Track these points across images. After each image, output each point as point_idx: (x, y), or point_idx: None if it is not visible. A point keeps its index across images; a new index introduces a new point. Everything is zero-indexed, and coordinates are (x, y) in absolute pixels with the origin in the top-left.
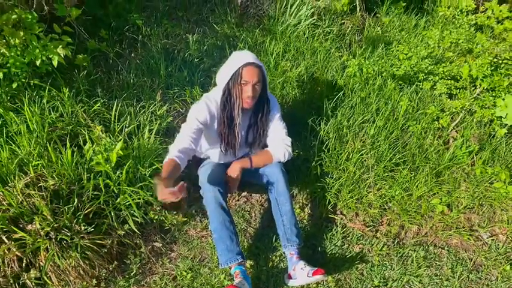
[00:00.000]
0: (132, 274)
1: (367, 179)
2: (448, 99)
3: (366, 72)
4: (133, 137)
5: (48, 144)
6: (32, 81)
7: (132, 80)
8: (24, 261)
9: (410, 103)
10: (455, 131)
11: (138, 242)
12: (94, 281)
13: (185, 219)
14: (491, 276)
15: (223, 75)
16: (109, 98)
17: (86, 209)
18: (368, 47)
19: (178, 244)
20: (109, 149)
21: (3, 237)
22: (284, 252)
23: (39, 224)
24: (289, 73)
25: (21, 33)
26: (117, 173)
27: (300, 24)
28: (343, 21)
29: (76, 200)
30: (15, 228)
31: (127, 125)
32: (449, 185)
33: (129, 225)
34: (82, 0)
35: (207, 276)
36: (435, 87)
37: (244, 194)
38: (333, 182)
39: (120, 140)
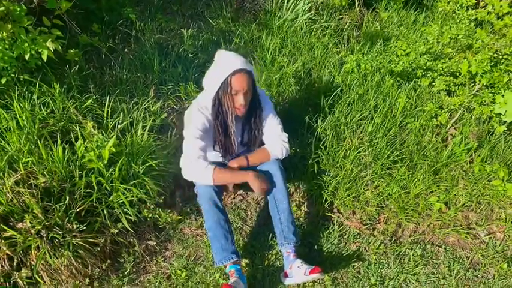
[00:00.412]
0: (125, 273)
1: (365, 177)
2: (447, 96)
3: (363, 69)
4: (127, 133)
5: (38, 141)
6: (21, 77)
7: (125, 76)
8: (15, 260)
9: (408, 100)
10: (454, 128)
11: (131, 240)
12: (87, 280)
13: (180, 217)
14: (488, 274)
15: (211, 81)
16: (101, 94)
17: (78, 207)
18: (366, 43)
19: (173, 242)
20: (101, 145)
21: None
22: (280, 251)
23: (30, 222)
24: (285, 69)
25: (9, 26)
26: (110, 170)
27: (297, 19)
28: (341, 16)
29: (68, 197)
30: (5, 227)
31: (120, 122)
32: (447, 183)
33: (123, 224)
34: None
35: (202, 275)
36: (434, 83)
37: (240, 192)
38: (329, 180)
39: (113, 137)
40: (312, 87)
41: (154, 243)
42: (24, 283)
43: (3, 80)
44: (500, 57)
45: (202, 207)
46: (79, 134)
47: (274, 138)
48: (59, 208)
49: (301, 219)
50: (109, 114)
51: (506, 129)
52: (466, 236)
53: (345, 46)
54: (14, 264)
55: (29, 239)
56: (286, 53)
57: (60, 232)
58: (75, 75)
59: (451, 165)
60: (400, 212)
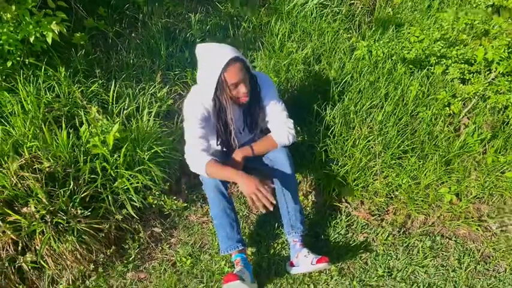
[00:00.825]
0: (130, 259)
1: (374, 167)
2: (461, 84)
3: (375, 55)
4: (132, 119)
5: (43, 125)
6: (27, 60)
7: (131, 61)
8: (20, 244)
9: (420, 88)
10: (467, 118)
11: (136, 227)
12: (91, 266)
13: (185, 204)
14: (500, 268)
15: (205, 80)
16: (107, 78)
17: (82, 193)
18: (378, 29)
19: (178, 230)
20: (106, 131)
21: None
22: (287, 240)
23: (34, 207)
24: (295, 55)
25: (14, 8)
26: (115, 156)
27: (308, 4)
28: (352, 1)
29: (72, 183)
30: (9, 211)
31: (126, 107)
32: (459, 174)
33: (127, 210)
34: None
35: (207, 263)
36: (447, 71)
37: None
38: (338, 169)
39: (117, 122)
40: (321, 74)
41: (160, 230)
42: (29, 267)
43: (9, 63)
44: None
45: (208, 195)
46: (84, 118)
47: (280, 125)
48: (63, 193)
49: (308, 208)
50: (115, 99)
51: None
52: (477, 229)
53: (356, 32)
54: (19, 248)
55: (34, 223)
56: (295, 38)
57: (64, 217)
58: (81, 60)
59: (463, 155)
60: (410, 202)
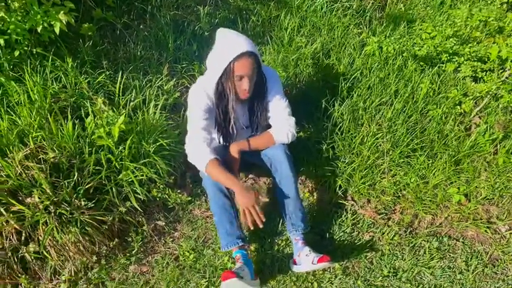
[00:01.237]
0: (133, 252)
1: (382, 165)
2: (473, 83)
3: (385, 51)
4: (138, 111)
5: (49, 116)
6: (35, 50)
7: (139, 53)
8: (23, 234)
9: (431, 86)
10: (479, 117)
11: (140, 219)
12: (94, 258)
13: (190, 198)
14: (508, 271)
15: (213, 64)
16: (114, 70)
17: (87, 184)
18: (389, 25)
19: (182, 223)
20: (111, 122)
21: (2, 210)
22: (289, 237)
23: (38, 197)
24: (303, 50)
25: None
26: (120, 148)
27: None
28: None
29: (76, 174)
30: (13, 201)
31: (132, 99)
32: (469, 174)
33: (131, 203)
34: None
35: (210, 258)
36: (459, 69)
37: (251, 176)
38: (344, 166)
39: (123, 114)
40: (330, 69)
41: (163, 223)
42: (32, 258)
43: (16, 53)
44: None
45: (207, 191)
46: (90, 110)
47: (281, 122)
48: (67, 184)
49: (314, 205)
50: (121, 91)
51: None
52: (485, 230)
53: (366, 27)
54: (22, 238)
55: (37, 214)
56: (304, 33)
57: (68, 208)
58: (88, 51)
59: (473, 155)
60: (417, 202)
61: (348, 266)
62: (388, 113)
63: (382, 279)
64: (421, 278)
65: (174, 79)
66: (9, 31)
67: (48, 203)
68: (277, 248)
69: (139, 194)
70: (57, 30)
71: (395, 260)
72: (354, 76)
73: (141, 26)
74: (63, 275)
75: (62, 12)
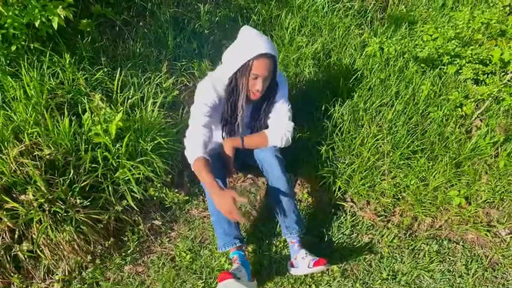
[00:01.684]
0: (129, 252)
1: (382, 166)
2: (474, 85)
3: (386, 52)
4: (136, 109)
5: (45, 112)
6: (32, 45)
7: (138, 50)
8: (17, 232)
9: (432, 87)
10: (480, 120)
11: (136, 219)
12: (89, 257)
13: (187, 197)
14: (508, 275)
15: (230, 59)
16: (113, 67)
17: (82, 182)
18: (390, 26)
19: (179, 223)
20: (108, 119)
21: None
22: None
23: (33, 195)
24: (304, 49)
25: None
26: (117, 145)
27: None
28: None
29: (72, 171)
30: (7, 198)
31: (130, 96)
32: (469, 177)
33: (128, 201)
34: None
35: (207, 259)
36: (461, 71)
37: (250, 176)
38: (344, 168)
39: (121, 111)
40: (331, 69)
41: (160, 223)
42: (25, 256)
43: (13, 48)
44: None
45: (205, 190)
46: (87, 106)
47: (279, 126)
48: (62, 182)
49: (312, 207)
50: (119, 88)
51: None
52: (486, 234)
53: (368, 28)
54: (15, 236)
55: (31, 211)
56: (305, 32)
57: (63, 206)
58: (87, 47)
59: (474, 158)
60: (417, 204)
61: (346, 268)
62: (389, 115)
63: (381, 282)
64: (420, 282)
65: (173, 77)
66: (6, 25)
67: (42, 200)
68: (275, 249)
69: (135, 193)
70: (55, 25)
71: (394, 263)
72: (354, 77)
73: (141, 23)
74: (57, 274)
75: (60, 7)
